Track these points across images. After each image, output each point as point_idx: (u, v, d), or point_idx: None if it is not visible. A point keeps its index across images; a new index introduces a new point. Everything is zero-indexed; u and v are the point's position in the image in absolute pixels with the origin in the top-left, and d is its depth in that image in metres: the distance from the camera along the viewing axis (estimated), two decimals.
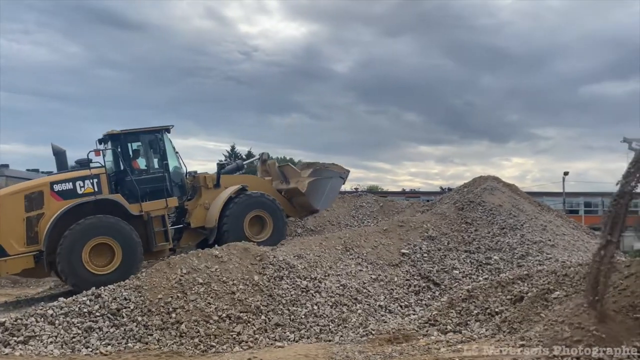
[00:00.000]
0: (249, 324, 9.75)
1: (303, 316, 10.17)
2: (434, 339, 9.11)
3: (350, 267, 12.18)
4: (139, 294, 9.88)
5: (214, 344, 9.19)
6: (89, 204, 12.26)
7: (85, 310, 9.59)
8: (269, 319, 9.95)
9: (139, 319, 9.48)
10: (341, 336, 9.76)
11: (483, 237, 14.16)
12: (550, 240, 14.40)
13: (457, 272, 12.77)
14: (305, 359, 8.16)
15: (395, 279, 12.21)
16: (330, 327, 10.05)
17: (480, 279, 12.36)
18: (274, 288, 10.60)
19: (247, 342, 9.33)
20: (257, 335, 9.55)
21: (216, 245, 12.19)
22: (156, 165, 13.65)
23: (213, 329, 9.46)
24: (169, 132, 13.77)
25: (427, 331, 9.64)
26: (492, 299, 10.11)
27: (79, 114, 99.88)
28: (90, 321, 9.41)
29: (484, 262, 13.27)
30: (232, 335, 9.44)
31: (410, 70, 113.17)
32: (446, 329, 9.62)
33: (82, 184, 12.30)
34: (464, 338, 9.01)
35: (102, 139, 13.61)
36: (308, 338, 9.67)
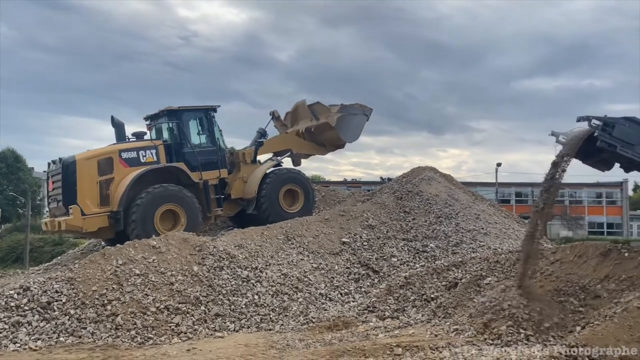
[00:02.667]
0: (188, 315, 9.60)
1: (244, 306, 10.12)
2: (373, 325, 9.33)
3: (291, 256, 12.22)
4: (72, 287, 9.49)
5: (151, 335, 8.99)
6: (158, 170, 13.49)
7: (12, 304, 9.10)
8: (208, 309, 9.84)
9: (72, 312, 9.12)
10: (282, 325, 9.81)
11: (420, 226, 14.56)
12: (483, 228, 15.01)
13: (396, 259, 13.09)
14: (246, 348, 8.13)
15: (336, 267, 12.37)
16: (271, 316, 10.07)
17: (417, 266, 12.72)
18: (214, 278, 10.48)
19: (186, 333, 9.20)
20: (196, 326, 9.43)
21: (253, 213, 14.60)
22: (207, 140, 14.68)
23: (150, 321, 9.25)
24: (215, 112, 14.85)
25: (366, 318, 9.86)
26: (428, 285, 10.46)
27: (5, 98, 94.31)
28: (18, 315, 8.95)
29: (420, 249, 13.66)
30: (170, 327, 9.27)
31: (352, 61, 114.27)
32: (384, 315, 9.86)
33: (144, 154, 13.55)
34: (401, 324, 9.29)
35: (157, 114, 14.64)
36: (248, 328, 9.65)
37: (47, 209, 13.88)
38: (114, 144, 14.00)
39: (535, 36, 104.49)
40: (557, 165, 8.50)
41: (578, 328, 7.38)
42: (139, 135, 14.35)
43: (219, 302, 10.04)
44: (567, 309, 8.10)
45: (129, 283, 9.78)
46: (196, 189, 13.91)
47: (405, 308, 9.99)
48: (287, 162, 16.67)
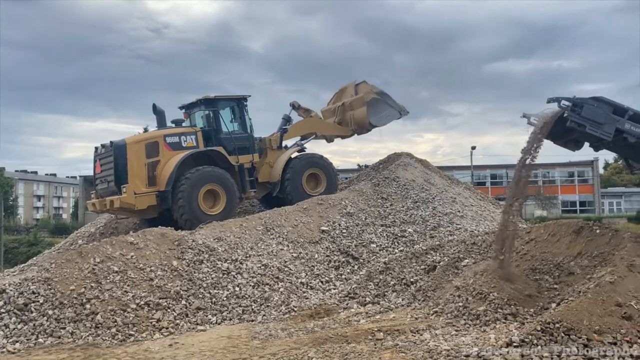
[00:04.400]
0: (169, 310, 9.55)
1: (225, 298, 10.11)
2: (354, 312, 9.42)
3: (271, 246, 12.23)
4: (49, 287, 9.34)
5: (132, 332, 8.93)
6: (199, 153, 14.57)
7: None
8: (189, 303, 9.80)
9: (50, 312, 8.98)
10: (264, 315, 9.83)
11: (398, 211, 14.70)
12: (459, 211, 15.24)
13: (375, 245, 13.21)
14: (228, 340, 8.14)
15: (316, 255, 12.43)
16: (253, 307, 10.08)
17: (396, 251, 12.86)
18: (194, 272, 10.44)
19: (167, 328, 9.15)
20: (178, 321, 9.39)
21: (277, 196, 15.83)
22: (240, 127, 15.71)
23: (131, 318, 9.17)
24: (246, 101, 15.89)
25: (347, 304, 9.95)
26: (407, 269, 10.59)
27: None
28: None
29: (399, 234, 13.80)
30: (151, 323, 9.21)
31: (326, 48, 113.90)
32: (365, 300, 9.97)
33: (185, 139, 14.62)
34: (382, 309, 9.40)
35: (194, 103, 15.68)
36: (230, 320, 9.65)
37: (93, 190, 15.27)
38: (157, 129, 15.07)
39: (507, 18, 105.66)
40: (530, 147, 8.65)
41: (553, 305, 7.57)
42: (177, 122, 15.49)
43: (200, 296, 10.01)
44: (543, 286, 8.30)
45: (108, 281, 9.68)
46: (233, 172, 14.92)
47: (386, 293, 10.11)
48: (315, 144, 17.38)
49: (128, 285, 9.72)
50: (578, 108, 8.33)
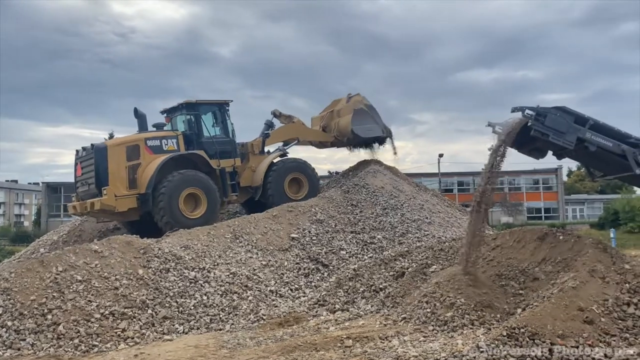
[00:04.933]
0: (134, 320, 9.34)
1: (192, 307, 9.95)
2: (324, 319, 9.40)
3: (240, 254, 12.12)
4: (8, 297, 9.02)
5: (96, 343, 8.69)
6: (179, 157, 14.60)
7: None
8: (156, 312, 9.61)
9: (9, 323, 8.67)
10: (232, 324, 9.71)
11: (367, 218, 14.78)
12: (427, 218, 15.41)
13: (344, 252, 13.23)
14: (196, 349, 8.00)
15: (286, 263, 12.37)
16: (221, 316, 9.95)
17: (366, 257, 12.91)
18: (161, 281, 10.25)
19: (133, 338, 8.94)
20: (144, 330, 9.18)
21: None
22: (221, 131, 15.86)
23: (95, 328, 8.93)
24: (228, 106, 16.03)
25: (316, 312, 9.91)
26: (377, 276, 10.63)
27: None
28: None
29: (368, 241, 13.87)
30: (116, 333, 8.99)
31: (295, 55, 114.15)
32: (335, 308, 9.95)
33: (166, 142, 14.72)
34: (351, 315, 9.40)
35: (175, 107, 15.79)
36: (198, 329, 9.50)
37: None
38: (137, 133, 15.10)
39: (471, 29, 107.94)
40: (495, 155, 8.80)
41: (519, 310, 7.70)
42: (159, 126, 15.47)
43: (167, 305, 9.82)
44: (509, 292, 8.43)
45: (71, 290, 9.41)
46: (214, 176, 14.99)
47: (355, 300, 10.11)
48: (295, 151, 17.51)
49: (92, 295, 9.47)
50: (541, 117, 8.52)
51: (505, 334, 6.41)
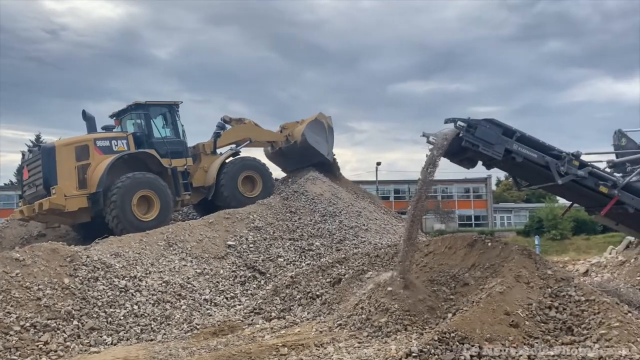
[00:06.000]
0: (58, 332, 8.87)
1: (122, 317, 9.57)
2: (259, 327, 9.30)
3: (173, 262, 11.79)
4: None
5: (15, 357, 8.18)
6: (130, 157, 14.48)
7: None
8: (82, 323, 9.17)
9: None
10: (164, 334, 9.42)
11: (306, 225, 14.79)
12: (364, 225, 15.62)
13: (282, 259, 13.16)
14: None
15: (221, 271, 12.15)
16: (153, 325, 9.63)
17: (303, 265, 12.90)
18: (88, 290, 9.79)
19: (56, 351, 8.50)
20: (68, 343, 8.74)
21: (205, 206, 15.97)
22: (172, 132, 15.81)
23: (14, 341, 8.40)
24: (178, 107, 16.06)
25: (252, 320, 9.79)
26: (314, 283, 10.64)
27: None
28: None
29: (306, 248, 13.88)
30: (38, 346, 8.50)
31: (236, 60, 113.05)
32: (271, 316, 9.87)
33: (116, 143, 14.58)
34: (287, 323, 9.35)
35: (124, 110, 15.70)
36: (128, 340, 9.15)
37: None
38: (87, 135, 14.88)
39: (408, 42, 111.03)
40: (429, 164, 9.05)
41: (450, 315, 7.92)
42: (108, 129, 15.40)
43: (94, 315, 9.40)
44: (440, 297, 8.67)
45: None
46: (165, 175, 14.93)
47: (292, 307, 10.07)
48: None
49: (11, 306, 8.92)
50: (472, 129, 8.85)
51: (436, 338, 6.58)
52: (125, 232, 13.04)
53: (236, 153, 17.02)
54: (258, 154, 18.44)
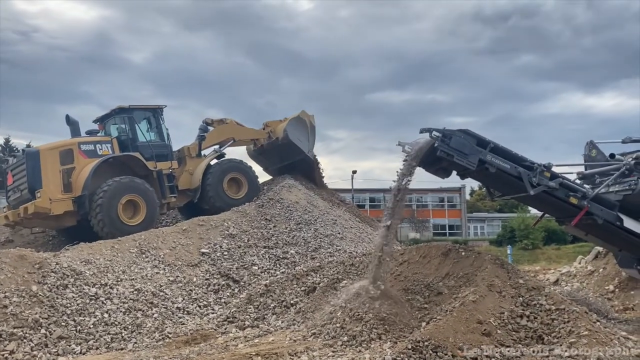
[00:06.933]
0: (25, 340, 8.63)
1: (92, 325, 9.36)
2: (232, 336, 9.20)
3: (145, 270, 11.60)
4: None
5: None
6: (115, 160, 14.56)
7: None
8: (50, 332, 8.93)
9: None
10: (135, 343, 9.24)
11: (281, 233, 14.72)
12: (339, 233, 15.64)
13: (257, 267, 13.06)
14: None
15: (195, 279, 12.00)
16: (123, 334, 9.44)
17: (278, 273, 12.83)
18: (57, 298, 9.56)
19: None
20: (35, 352, 8.51)
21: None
22: (156, 136, 15.90)
23: None
24: (162, 111, 16.14)
25: (225, 329, 9.69)
26: (288, 291, 10.59)
27: None
28: None
29: (281, 256, 13.81)
30: (3, 355, 8.26)
31: (212, 66, 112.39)
32: (244, 324, 9.77)
33: (100, 147, 14.65)
34: (261, 332, 9.27)
35: (108, 114, 15.76)
36: (97, 349, 8.95)
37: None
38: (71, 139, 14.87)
39: (385, 52, 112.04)
40: (404, 173, 9.13)
41: (423, 323, 7.97)
42: (92, 133, 15.46)
43: (63, 324, 9.17)
44: (415, 306, 8.71)
45: None
46: (151, 179, 14.99)
47: (266, 316, 10.00)
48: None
49: None
50: (447, 139, 8.95)
51: (410, 347, 6.61)
52: (111, 236, 12.99)
53: (221, 155, 17.06)
54: (240, 153, 18.61)
